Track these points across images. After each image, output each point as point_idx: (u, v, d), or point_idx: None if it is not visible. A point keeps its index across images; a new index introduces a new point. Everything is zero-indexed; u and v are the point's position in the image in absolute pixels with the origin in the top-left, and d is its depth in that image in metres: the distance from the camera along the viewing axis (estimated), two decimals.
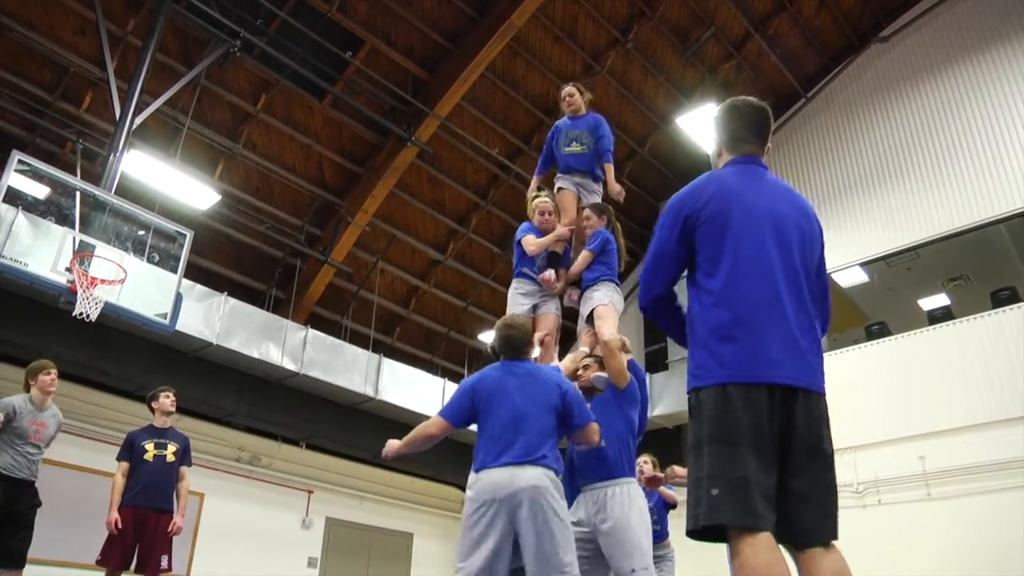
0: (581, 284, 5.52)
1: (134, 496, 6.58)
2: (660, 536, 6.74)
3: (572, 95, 5.96)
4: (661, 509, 6.84)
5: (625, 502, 4.33)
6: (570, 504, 4.48)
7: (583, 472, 4.55)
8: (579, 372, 4.86)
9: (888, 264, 14.47)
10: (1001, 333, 11.84)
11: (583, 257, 5.47)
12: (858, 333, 14.91)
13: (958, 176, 13.27)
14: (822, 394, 2.55)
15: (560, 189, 5.91)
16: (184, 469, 6.99)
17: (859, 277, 15.04)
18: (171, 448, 6.88)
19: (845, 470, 12.50)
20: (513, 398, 4.05)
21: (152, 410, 7.12)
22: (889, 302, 15.48)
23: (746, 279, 2.53)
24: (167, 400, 7.08)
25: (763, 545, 2.31)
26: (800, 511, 2.45)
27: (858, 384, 13.12)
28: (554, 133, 6.04)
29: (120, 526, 6.44)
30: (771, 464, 2.39)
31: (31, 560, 6.26)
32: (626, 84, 15.29)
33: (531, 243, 5.55)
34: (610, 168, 5.91)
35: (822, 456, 2.52)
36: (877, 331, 13.94)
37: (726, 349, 2.47)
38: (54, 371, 6.45)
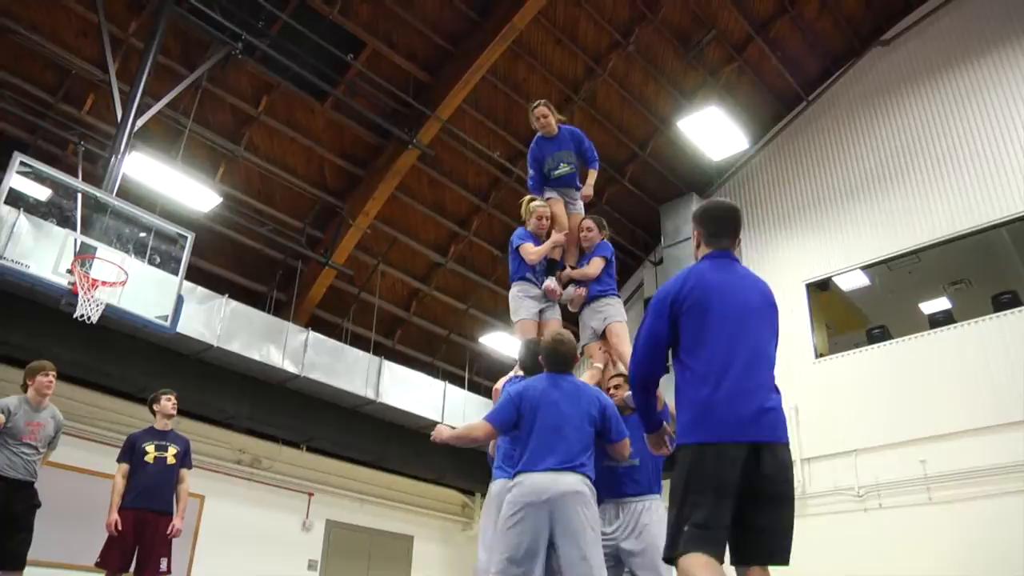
0: (587, 292, 5.61)
1: (134, 498, 6.60)
2: None
3: (546, 115, 6.02)
4: None
5: (656, 520, 4.50)
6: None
7: (616, 485, 4.68)
8: (610, 391, 4.97)
9: (889, 268, 14.48)
10: (1002, 337, 11.85)
11: (597, 263, 5.60)
12: (859, 336, 14.93)
13: (959, 179, 13.27)
14: (786, 443, 3.10)
15: (549, 199, 6.02)
16: (184, 471, 7.01)
17: (860, 280, 15.07)
18: (171, 450, 6.90)
19: (846, 473, 12.56)
20: (558, 407, 4.26)
21: (153, 412, 7.14)
22: (890, 306, 15.48)
23: (723, 359, 3.10)
24: (168, 403, 7.12)
25: (703, 562, 2.84)
26: (757, 541, 2.99)
27: (859, 388, 13.15)
28: (537, 158, 6.10)
29: (120, 528, 6.46)
30: (730, 507, 2.92)
31: (30, 562, 6.26)
32: (627, 87, 15.29)
33: (530, 252, 5.63)
34: (593, 174, 6.10)
35: (785, 499, 3.05)
36: (878, 335, 13.96)
37: (706, 415, 3.04)
38: (52, 373, 6.46)
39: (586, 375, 5.16)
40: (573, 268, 5.78)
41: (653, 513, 4.55)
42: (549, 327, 5.54)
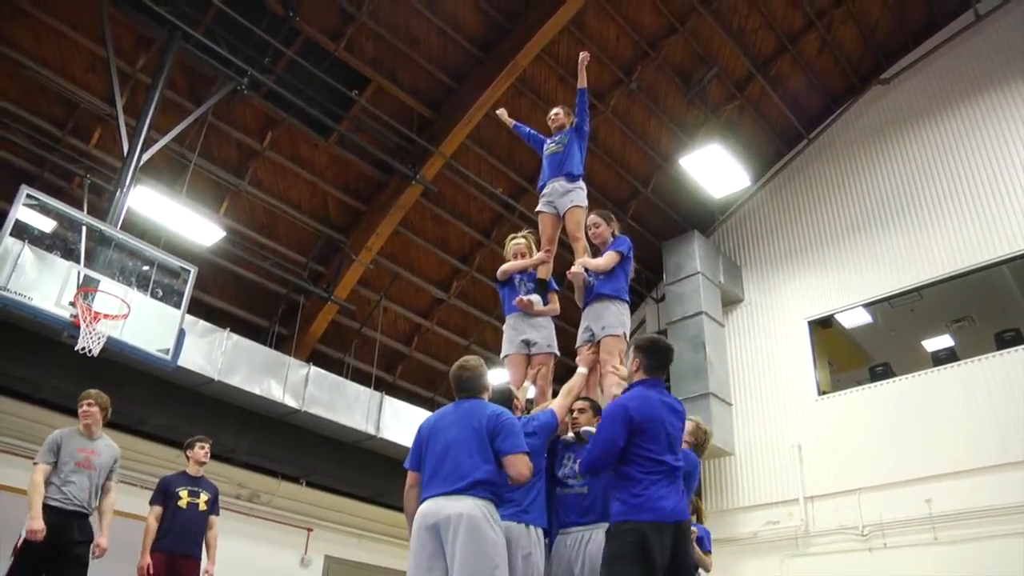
0: (591, 288, 5.40)
1: (169, 542, 6.69)
2: None
3: (557, 114, 6.45)
4: None
5: (596, 551, 4.29)
6: (551, 543, 4.52)
7: (562, 514, 4.54)
8: (574, 414, 4.82)
9: (891, 305, 14.48)
10: (1006, 375, 11.80)
11: (611, 257, 5.36)
12: (861, 374, 14.89)
13: (960, 217, 13.32)
14: (688, 520, 4.14)
15: (538, 213, 5.99)
16: (213, 518, 7.12)
17: (862, 318, 15.06)
18: (203, 497, 7.05)
19: (850, 512, 12.45)
20: (447, 432, 4.16)
21: (187, 457, 7.29)
22: (892, 343, 15.46)
23: (660, 461, 4.01)
24: (201, 450, 7.28)
25: None
26: None
27: (862, 425, 13.09)
28: (539, 144, 6.49)
29: (152, 571, 6.49)
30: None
31: None
32: (629, 124, 15.41)
33: (502, 268, 5.69)
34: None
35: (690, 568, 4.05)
36: (881, 372, 13.92)
37: (643, 502, 3.89)
38: (86, 401, 6.41)
39: (563, 390, 5.01)
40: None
41: (594, 544, 4.30)
42: (536, 359, 5.44)
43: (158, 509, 6.80)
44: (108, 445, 6.44)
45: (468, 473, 3.94)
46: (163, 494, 6.90)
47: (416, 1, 12.71)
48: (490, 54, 13.56)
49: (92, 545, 6.16)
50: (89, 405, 6.37)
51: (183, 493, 6.92)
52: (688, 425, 5.31)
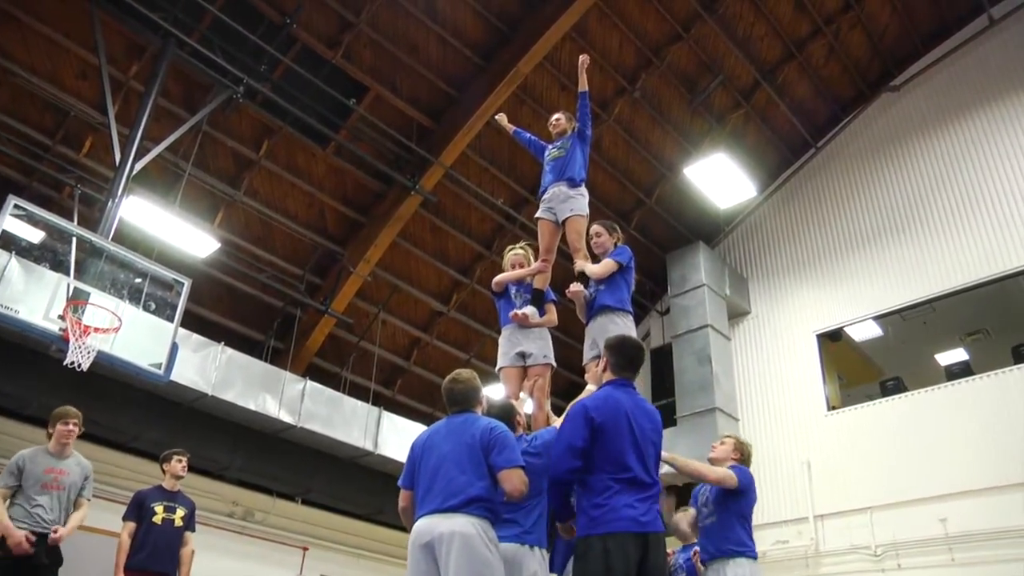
0: (593, 301, 5.25)
1: (143, 559, 6.51)
2: None
3: (559, 119, 6.27)
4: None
5: None
6: (564, 561, 4.46)
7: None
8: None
9: (903, 318, 14.25)
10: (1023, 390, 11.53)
11: (608, 264, 5.22)
12: (872, 389, 14.66)
13: (974, 227, 13.09)
14: (663, 532, 3.88)
15: (537, 220, 5.83)
16: (188, 534, 6.93)
17: (873, 331, 14.87)
18: (179, 512, 6.87)
19: (862, 531, 12.19)
20: (440, 448, 4.04)
21: (163, 471, 7.08)
22: (904, 357, 15.21)
23: (625, 466, 3.78)
24: (179, 465, 7.05)
25: None
26: None
27: (874, 441, 12.89)
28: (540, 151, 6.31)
29: None
30: None
31: None
32: (633, 133, 15.22)
33: (496, 280, 5.60)
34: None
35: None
36: (892, 387, 13.68)
37: (605, 512, 3.66)
38: (73, 421, 6.17)
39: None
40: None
41: None
42: (532, 370, 5.31)
43: (132, 525, 6.61)
44: (79, 463, 6.23)
45: (462, 490, 3.83)
46: (138, 509, 6.69)
47: (415, 8, 12.57)
48: (491, 62, 13.41)
49: (50, 533, 5.94)
50: (74, 425, 6.16)
51: (158, 508, 6.73)
52: (728, 442, 5.56)
